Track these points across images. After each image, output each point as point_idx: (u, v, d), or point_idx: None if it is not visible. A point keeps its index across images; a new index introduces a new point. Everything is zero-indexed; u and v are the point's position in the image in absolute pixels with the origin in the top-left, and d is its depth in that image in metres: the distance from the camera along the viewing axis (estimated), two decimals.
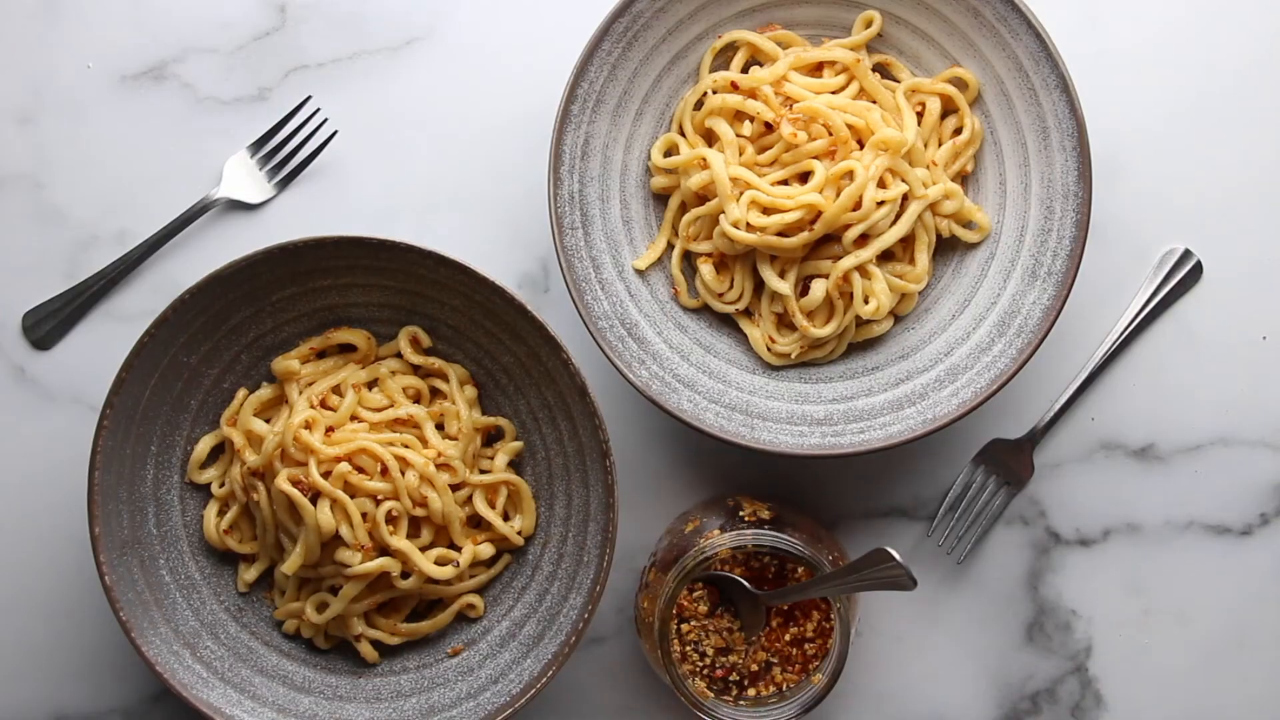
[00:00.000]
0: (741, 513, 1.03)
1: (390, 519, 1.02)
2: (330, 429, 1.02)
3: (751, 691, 1.02)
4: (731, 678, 1.02)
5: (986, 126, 1.06)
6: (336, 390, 1.05)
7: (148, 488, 1.04)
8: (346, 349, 1.07)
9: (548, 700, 1.09)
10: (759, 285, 1.06)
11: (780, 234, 1.02)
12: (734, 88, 1.05)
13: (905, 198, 1.03)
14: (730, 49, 1.07)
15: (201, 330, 1.03)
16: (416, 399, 1.06)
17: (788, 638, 1.02)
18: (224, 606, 1.06)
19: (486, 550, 1.05)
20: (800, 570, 1.01)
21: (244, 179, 1.10)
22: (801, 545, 0.98)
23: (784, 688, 1.02)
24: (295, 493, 1.00)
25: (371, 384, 1.06)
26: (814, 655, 1.02)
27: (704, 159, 1.03)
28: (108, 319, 1.10)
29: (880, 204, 1.02)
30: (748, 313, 1.07)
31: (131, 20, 1.11)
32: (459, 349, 1.07)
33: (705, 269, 1.06)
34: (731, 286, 1.06)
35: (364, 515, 1.01)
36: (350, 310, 1.06)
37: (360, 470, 1.01)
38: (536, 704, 1.07)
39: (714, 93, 1.05)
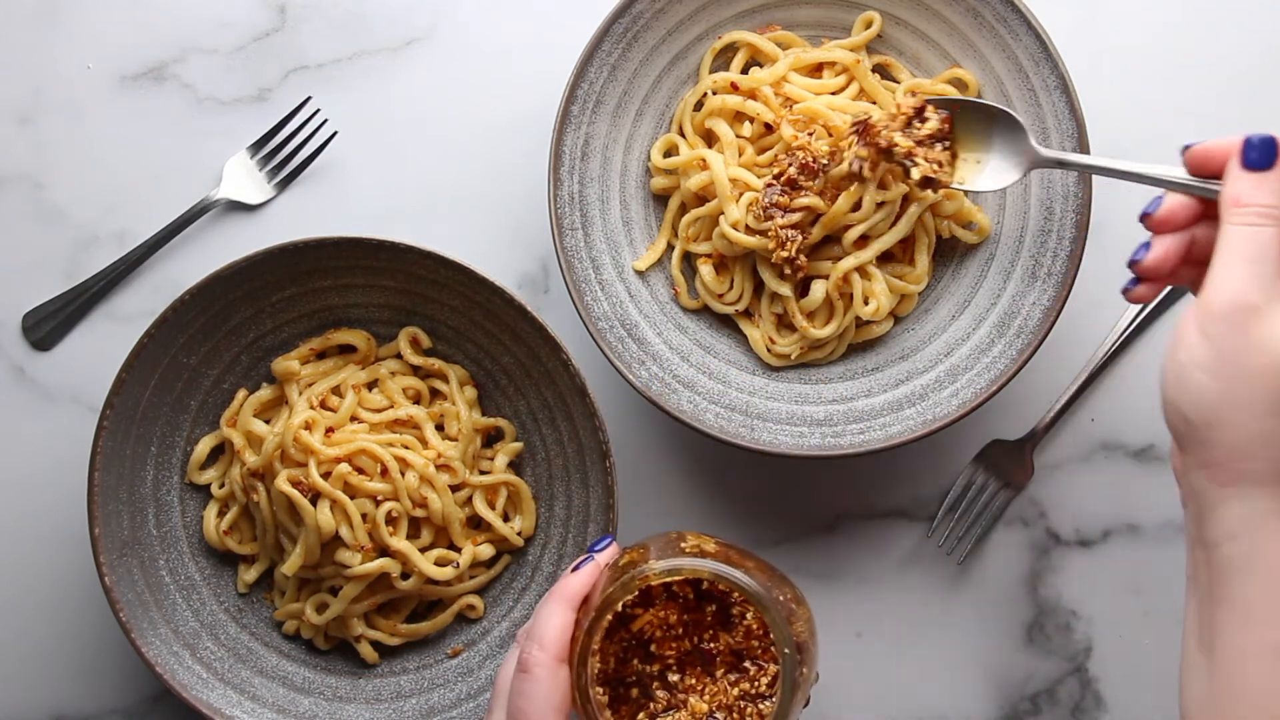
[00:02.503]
0: (684, 545, 0.88)
1: (390, 520, 1.02)
2: (330, 430, 1.02)
3: None
4: None
5: None
6: (336, 391, 1.05)
7: (148, 488, 1.04)
8: (346, 350, 1.07)
9: None
10: (759, 286, 1.06)
11: None
12: (734, 88, 1.05)
13: (905, 199, 1.03)
14: (730, 50, 1.07)
15: (201, 331, 1.03)
16: (416, 400, 1.06)
17: (736, 692, 0.86)
18: (224, 607, 1.06)
19: (486, 551, 1.05)
20: (750, 615, 0.85)
21: (244, 179, 1.10)
22: (743, 576, 0.84)
23: None
24: (295, 493, 1.00)
25: (371, 385, 1.06)
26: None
27: (703, 160, 1.04)
28: (108, 319, 1.10)
29: (880, 205, 1.02)
30: (747, 314, 1.07)
31: (131, 20, 1.11)
32: (459, 350, 1.07)
33: (705, 270, 1.06)
34: (731, 287, 1.06)
35: (364, 516, 1.01)
36: (350, 311, 1.06)
37: (360, 471, 1.02)
38: None
39: (714, 93, 1.05)
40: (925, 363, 1.05)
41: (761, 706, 0.84)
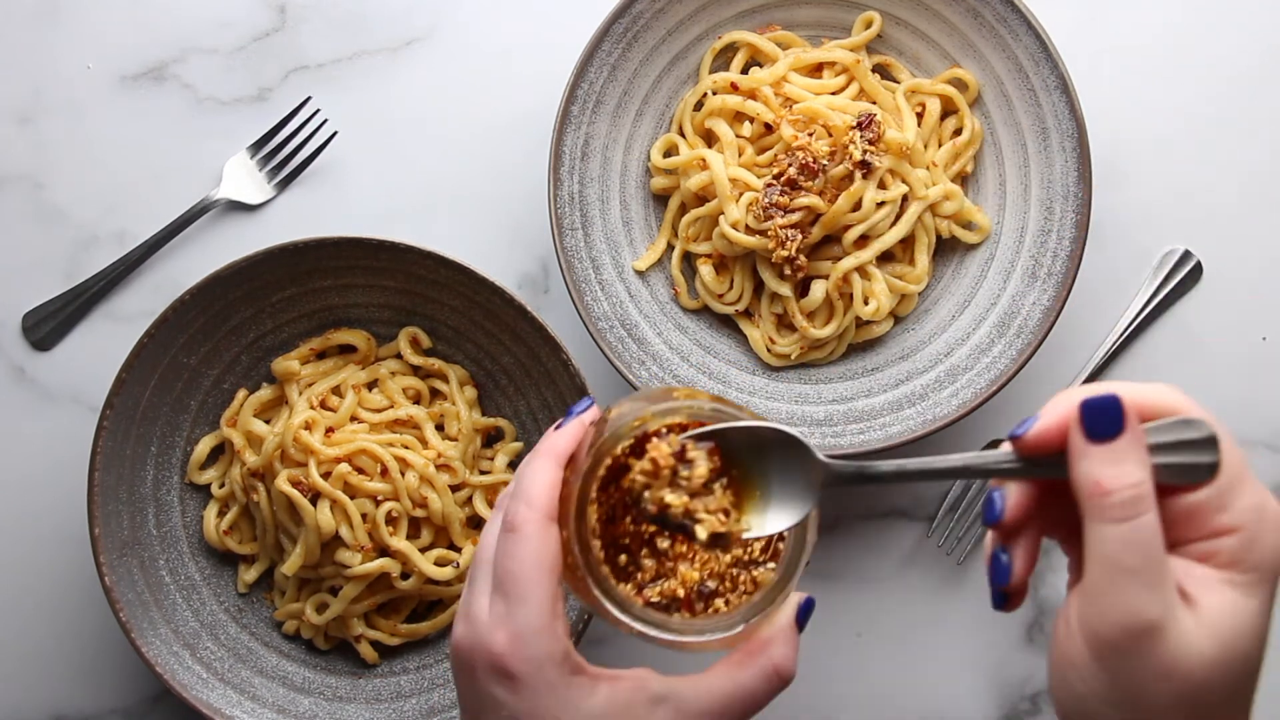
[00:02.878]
0: (675, 394, 0.77)
1: (390, 520, 1.02)
2: (330, 430, 1.02)
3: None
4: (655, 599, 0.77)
5: (986, 127, 1.06)
6: (336, 391, 1.05)
7: (148, 488, 1.04)
8: (346, 350, 1.07)
9: None
10: (759, 286, 1.06)
11: None
12: (734, 88, 1.05)
13: (905, 199, 1.03)
14: (730, 50, 1.07)
15: (201, 331, 1.03)
16: (416, 400, 1.06)
17: (728, 559, 0.77)
18: (224, 607, 1.06)
19: None
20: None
21: (244, 179, 1.10)
22: (747, 417, 0.74)
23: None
24: (295, 493, 1.00)
25: (371, 385, 1.06)
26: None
27: (703, 160, 1.04)
28: (108, 319, 1.10)
29: (880, 205, 1.02)
30: (748, 314, 1.07)
31: (131, 20, 1.11)
32: (459, 350, 1.07)
33: (705, 270, 1.06)
34: (731, 287, 1.06)
35: (364, 516, 1.01)
36: (350, 311, 1.06)
37: (360, 471, 1.02)
38: None
39: (714, 94, 1.05)
40: (925, 363, 1.05)
41: (755, 573, 0.77)
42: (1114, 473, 0.64)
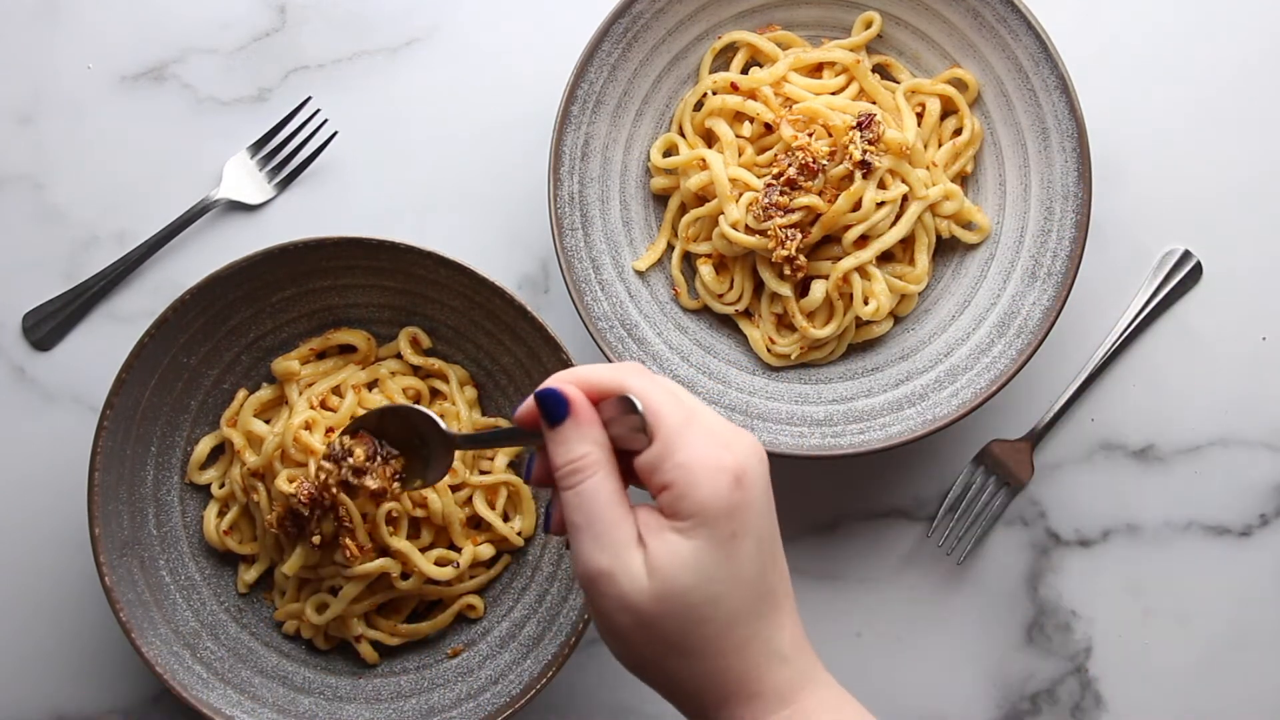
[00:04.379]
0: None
1: (390, 520, 1.02)
2: (330, 430, 1.02)
3: None
4: None
5: (986, 127, 1.06)
6: (336, 391, 1.05)
7: (148, 488, 1.04)
8: (346, 350, 1.07)
9: (547, 701, 1.09)
10: (759, 286, 1.06)
11: None
12: (734, 88, 1.05)
13: (905, 199, 1.03)
14: (730, 50, 1.07)
15: (201, 331, 1.03)
16: (416, 400, 1.06)
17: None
18: (224, 607, 1.06)
19: (486, 551, 1.05)
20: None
21: (244, 179, 1.10)
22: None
23: None
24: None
25: (371, 385, 1.06)
26: None
27: (703, 160, 1.04)
28: (108, 319, 1.10)
29: (880, 205, 1.02)
30: (748, 314, 1.07)
31: (131, 21, 1.11)
32: (459, 350, 1.07)
33: (705, 270, 1.06)
34: (731, 287, 1.06)
35: (364, 516, 1.01)
36: (350, 311, 1.06)
37: None
38: (536, 705, 1.07)
39: (714, 94, 1.05)
40: (925, 363, 1.05)
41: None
42: (561, 451, 0.76)
